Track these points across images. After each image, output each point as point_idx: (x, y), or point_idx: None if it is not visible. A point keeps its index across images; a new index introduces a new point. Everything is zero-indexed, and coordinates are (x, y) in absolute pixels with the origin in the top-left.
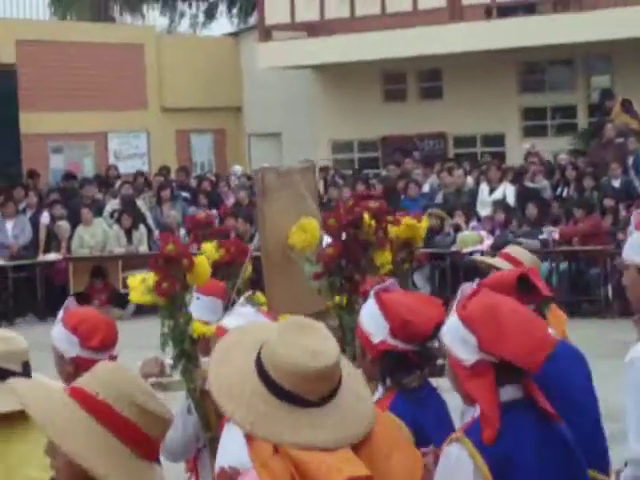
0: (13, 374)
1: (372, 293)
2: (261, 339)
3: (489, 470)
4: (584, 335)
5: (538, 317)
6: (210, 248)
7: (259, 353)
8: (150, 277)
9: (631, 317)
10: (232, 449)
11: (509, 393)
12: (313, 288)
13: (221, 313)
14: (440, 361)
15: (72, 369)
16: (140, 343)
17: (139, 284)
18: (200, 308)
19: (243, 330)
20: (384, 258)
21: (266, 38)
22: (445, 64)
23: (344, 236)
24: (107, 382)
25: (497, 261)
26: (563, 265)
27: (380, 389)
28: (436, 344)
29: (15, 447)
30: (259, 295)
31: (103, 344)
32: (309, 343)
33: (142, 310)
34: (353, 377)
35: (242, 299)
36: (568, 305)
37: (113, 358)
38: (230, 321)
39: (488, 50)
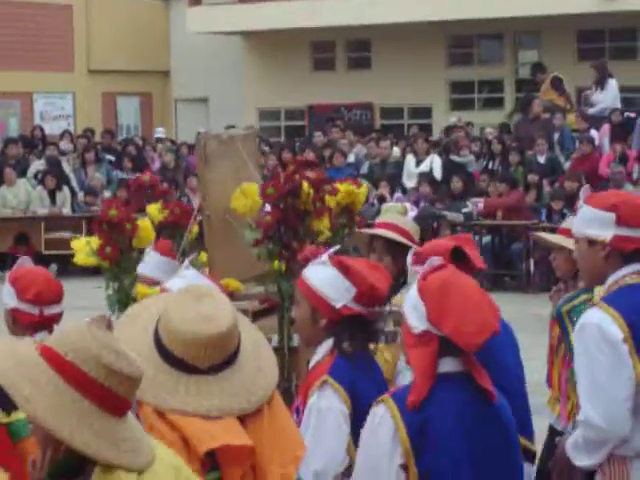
0: None
1: (325, 259)
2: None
3: (407, 434)
4: (505, 309)
5: (489, 300)
6: (154, 210)
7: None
8: (94, 240)
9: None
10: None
11: (448, 365)
12: (253, 254)
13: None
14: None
15: (11, 320)
16: (68, 304)
17: (84, 247)
18: (153, 266)
19: (159, 297)
20: (322, 225)
21: (195, 2)
22: (374, 35)
23: (282, 204)
24: (75, 342)
25: (381, 231)
26: (486, 239)
27: (319, 354)
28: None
29: None
30: (203, 255)
31: (38, 297)
32: (202, 309)
33: (65, 272)
34: (259, 348)
35: (186, 261)
36: (490, 279)
37: (55, 316)
38: (174, 283)
39: (418, 22)
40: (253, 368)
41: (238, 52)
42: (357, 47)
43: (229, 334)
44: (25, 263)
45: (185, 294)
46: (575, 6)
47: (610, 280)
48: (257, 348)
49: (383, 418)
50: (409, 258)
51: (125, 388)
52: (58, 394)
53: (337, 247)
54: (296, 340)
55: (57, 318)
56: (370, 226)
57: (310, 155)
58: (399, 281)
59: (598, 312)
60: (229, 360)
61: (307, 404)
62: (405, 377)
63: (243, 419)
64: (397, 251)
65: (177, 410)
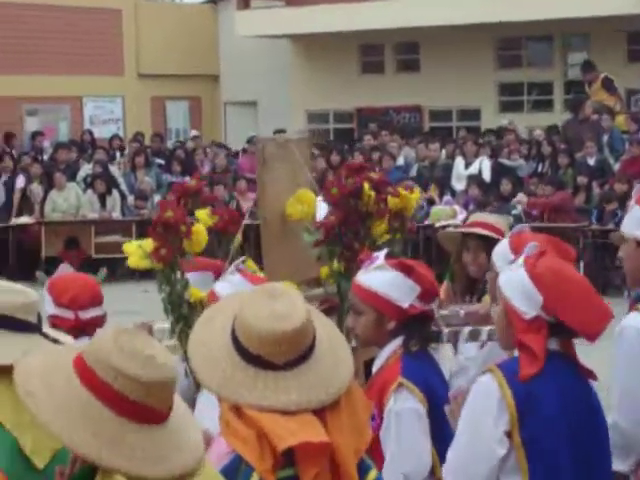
0: (31, 325)
1: (382, 262)
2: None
3: (513, 401)
4: None
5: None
6: (204, 215)
7: (234, 320)
8: (147, 243)
9: (603, 294)
10: (206, 413)
11: (553, 344)
12: (312, 256)
13: (212, 285)
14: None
15: (51, 328)
16: (114, 308)
17: (136, 249)
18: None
19: (232, 297)
20: (382, 228)
21: (244, 6)
22: (423, 37)
23: (345, 205)
24: (93, 344)
25: (476, 229)
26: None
27: (382, 357)
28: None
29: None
30: (250, 262)
31: (73, 301)
32: (276, 307)
33: (115, 276)
34: (335, 343)
35: (232, 267)
36: None
37: (94, 320)
38: (221, 287)
39: (466, 24)
40: (329, 362)
41: (286, 55)
42: (405, 49)
43: (304, 330)
44: (65, 270)
45: (259, 293)
46: (625, 7)
47: None
48: (333, 343)
49: (489, 386)
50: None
51: (140, 393)
52: (68, 391)
53: (385, 250)
54: (353, 341)
55: (96, 322)
56: (419, 230)
57: (359, 158)
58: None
59: (638, 316)
60: (305, 355)
61: (385, 409)
62: (464, 376)
63: (322, 414)
64: (491, 248)
65: (255, 405)
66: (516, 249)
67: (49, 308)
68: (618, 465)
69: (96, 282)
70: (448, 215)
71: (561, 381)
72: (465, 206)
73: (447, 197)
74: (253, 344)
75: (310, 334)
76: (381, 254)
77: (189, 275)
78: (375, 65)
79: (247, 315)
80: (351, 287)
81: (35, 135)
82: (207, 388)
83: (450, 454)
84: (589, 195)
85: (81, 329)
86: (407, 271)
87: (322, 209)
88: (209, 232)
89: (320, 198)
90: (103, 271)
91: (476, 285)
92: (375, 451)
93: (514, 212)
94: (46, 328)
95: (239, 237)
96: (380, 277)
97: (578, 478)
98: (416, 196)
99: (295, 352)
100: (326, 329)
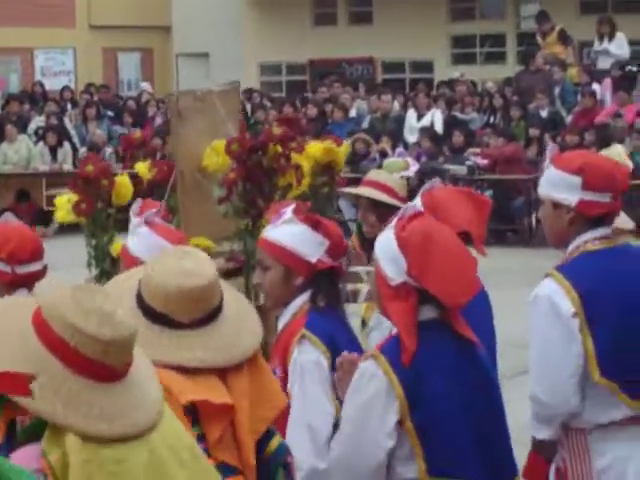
0: None
1: (291, 216)
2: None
3: (402, 389)
4: (509, 264)
5: (470, 256)
6: (143, 168)
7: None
8: (75, 197)
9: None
10: None
11: (428, 312)
12: (219, 212)
13: None
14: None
15: None
16: (64, 261)
17: (65, 203)
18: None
19: (140, 267)
20: (285, 182)
21: None
22: None
23: (247, 161)
24: (50, 297)
25: (364, 190)
26: (488, 193)
27: (287, 314)
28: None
29: None
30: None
31: (11, 256)
32: (183, 265)
33: (66, 228)
34: (241, 311)
35: (139, 219)
36: (493, 234)
37: (32, 274)
38: (130, 241)
39: None
40: (235, 326)
41: (239, 7)
42: (358, 1)
43: (210, 288)
44: (7, 219)
45: (166, 254)
46: None
47: (572, 246)
48: (240, 308)
49: (374, 375)
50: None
51: (96, 350)
52: (23, 345)
53: (293, 205)
54: (262, 298)
55: (36, 276)
56: (353, 183)
57: (313, 111)
58: None
59: (551, 283)
60: (211, 316)
61: (289, 361)
62: (378, 333)
63: (224, 376)
64: (382, 209)
65: (158, 361)
66: (427, 206)
67: None
68: (542, 433)
69: (45, 234)
70: (400, 167)
71: (444, 355)
72: (417, 158)
73: (400, 149)
74: (159, 302)
75: (217, 294)
76: (289, 208)
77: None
78: (328, 17)
79: (153, 274)
80: (257, 242)
81: None
82: None
83: (334, 447)
84: (541, 147)
85: (19, 283)
86: (315, 225)
87: None
88: (150, 185)
89: None
90: (55, 224)
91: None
92: (283, 419)
93: (467, 163)
94: None
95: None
96: (287, 231)
97: (478, 452)
98: (345, 149)
99: (201, 311)
100: (233, 294)
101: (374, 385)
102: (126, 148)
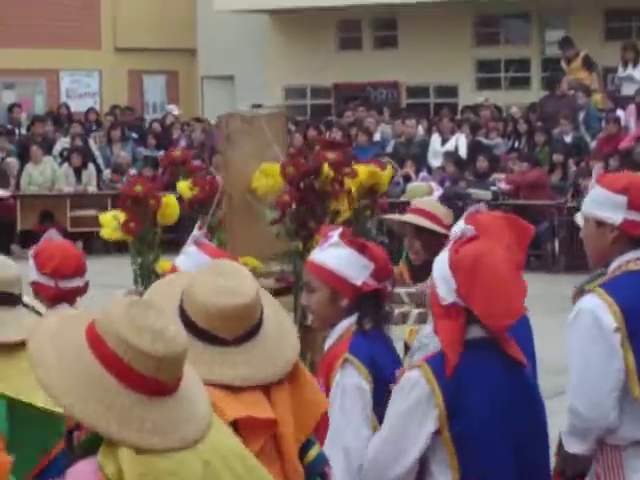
0: (18, 299)
1: (338, 240)
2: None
3: (442, 398)
4: (531, 290)
5: (519, 280)
6: (184, 186)
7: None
8: (120, 215)
9: (577, 272)
10: None
11: (476, 332)
12: (272, 233)
13: None
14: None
15: (33, 294)
16: (92, 281)
17: (111, 221)
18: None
19: (178, 274)
20: (337, 206)
21: None
22: (401, 13)
23: (302, 184)
24: (105, 313)
25: (409, 217)
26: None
27: (334, 335)
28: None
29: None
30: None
31: (55, 271)
32: (226, 283)
33: (89, 249)
34: (280, 322)
35: (190, 239)
36: None
37: (74, 289)
38: (179, 260)
39: (444, 1)
40: (275, 340)
41: (264, 30)
42: (383, 26)
43: (252, 306)
44: (52, 236)
45: (208, 270)
46: None
47: (614, 265)
48: (279, 320)
49: (417, 382)
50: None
51: (148, 366)
52: (79, 362)
53: (340, 228)
54: (309, 318)
55: (77, 291)
56: (395, 207)
57: (337, 134)
58: (429, 265)
59: (593, 298)
60: (252, 332)
61: (332, 383)
62: (424, 353)
63: (267, 390)
64: (426, 236)
65: (209, 381)
66: None
67: (32, 274)
68: (575, 447)
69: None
70: (424, 192)
71: (489, 372)
72: (441, 183)
73: (423, 174)
74: (201, 319)
75: (258, 311)
76: (336, 232)
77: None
78: (353, 41)
79: (195, 289)
80: (305, 265)
81: (12, 107)
82: None
83: (371, 448)
84: (565, 172)
85: (61, 298)
86: (361, 249)
87: None
88: (191, 204)
89: None
90: (78, 245)
91: (424, 269)
92: (322, 427)
93: (492, 188)
94: (26, 297)
95: (217, 211)
96: (334, 254)
97: (515, 469)
98: (389, 173)
99: (243, 328)
100: (273, 308)
101: (416, 392)
102: (167, 165)
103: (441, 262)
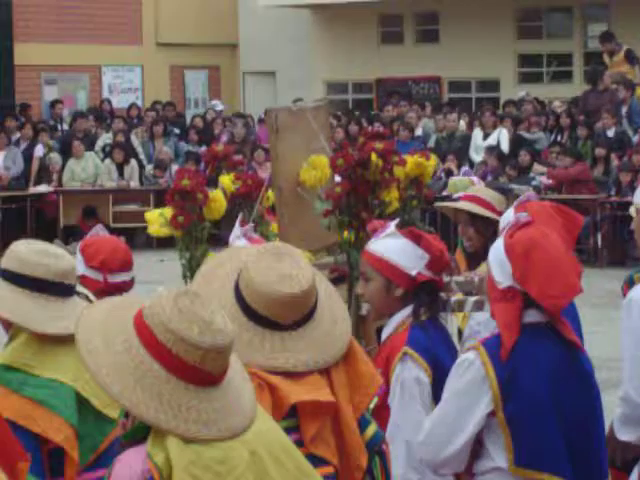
0: (73, 290)
1: (394, 230)
2: (242, 262)
3: (497, 381)
4: None
5: (574, 262)
6: (227, 181)
7: (238, 277)
8: (167, 211)
9: (619, 266)
10: None
11: (533, 316)
12: (322, 224)
13: None
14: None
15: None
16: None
17: (157, 218)
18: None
19: (227, 254)
20: (389, 197)
21: None
22: (442, 7)
23: (352, 175)
24: (154, 305)
25: (463, 204)
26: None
27: (391, 325)
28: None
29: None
30: (275, 225)
31: (104, 265)
32: (284, 269)
33: (131, 245)
34: (331, 301)
35: (238, 232)
36: None
37: (121, 284)
38: None
39: None
40: (329, 321)
41: (306, 25)
42: (425, 20)
43: (310, 291)
44: (99, 231)
45: (264, 253)
46: None
47: None
48: (330, 301)
49: (473, 364)
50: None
51: (196, 357)
52: (128, 352)
53: (398, 219)
54: (364, 308)
55: (124, 286)
56: (438, 199)
57: (380, 128)
58: (483, 252)
59: None
60: (309, 315)
61: (391, 377)
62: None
63: (325, 371)
64: (480, 223)
65: (265, 366)
66: None
67: (80, 268)
68: (627, 435)
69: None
70: (465, 186)
71: (544, 356)
72: (483, 177)
73: (465, 168)
74: (260, 305)
75: (314, 295)
76: (392, 223)
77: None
78: (395, 35)
79: (253, 275)
80: (361, 255)
81: (54, 104)
82: None
83: (427, 425)
84: (607, 167)
85: (108, 292)
86: (417, 239)
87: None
88: (233, 198)
89: None
90: (122, 240)
91: (478, 256)
92: (382, 418)
93: (533, 183)
94: (79, 289)
95: (270, 195)
96: (389, 244)
97: (568, 451)
98: (432, 163)
99: (301, 313)
100: (322, 286)
101: (471, 374)
102: (209, 160)
103: (496, 247)
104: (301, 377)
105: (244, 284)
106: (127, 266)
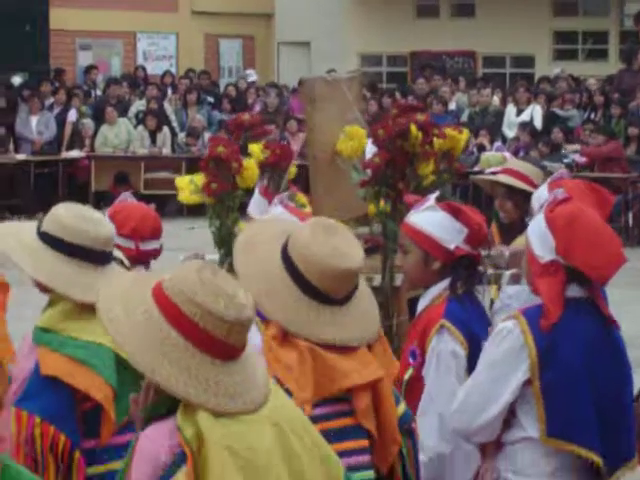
0: (111, 257)
1: (433, 203)
2: (284, 231)
3: (535, 349)
4: None
5: (614, 234)
6: (256, 149)
7: (285, 246)
8: (198, 178)
9: None
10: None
11: (575, 291)
12: (358, 195)
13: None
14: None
15: None
16: (165, 244)
17: (187, 184)
18: (255, 205)
19: (265, 222)
20: (427, 169)
21: None
22: None
23: (391, 146)
24: (177, 279)
25: (501, 177)
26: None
27: (428, 297)
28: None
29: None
30: (300, 196)
31: (134, 232)
32: (338, 244)
33: (163, 212)
34: (362, 279)
35: (275, 199)
36: None
37: (152, 251)
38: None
39: None
40: (369, 297)
41: None
42: None
43: (361, 268)
44: (127, 198)
45: (317, 227)
46: None
47: None
48: (362, 279)
49: (512, 332)
50: (533, 202)
51: (223, 330)
52: (150, 324)
53: (437, 193)
54: (398, 280)
55: (154, 253)
56: (471, 174)
57: (412, 102)
58: (521, 225)
59: None
60: (353, 292)
61: (427, 349)
62: (507, 313)
63: (368, 345)
64: (518, 196)
65: (316, 338)
66: None
67: None
68: None
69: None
70: (498, 161)
71: (583, 330)
72: (515, 153)
73: (498, 144)
74: (316, 277)
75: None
76: (432, 196)
77: (255, 195)
78: (430, 9)
79: (311, 248)
80: (399, 226)
81: (89, 69)
82: (274, 320)
83: (462, 393)
84: None
85: (139, 259)
86: (456, 213)
87: (369, 150)
88: (261, 166)
89: (369, 139)
90: (151, 207)
91: (514, 229)
92: (417, 389)
93: (565, 161)
94: (115, 253)
95: (293, 171)
96: (428, 217)
97: (598, 426)
98: (465, 136)
99: (350, 289)
100: None
101: (509, 341)
102: (234, 130)
103: (536, 223)
104: (352, 351)
105: (299, 256)
106: (157, 233)
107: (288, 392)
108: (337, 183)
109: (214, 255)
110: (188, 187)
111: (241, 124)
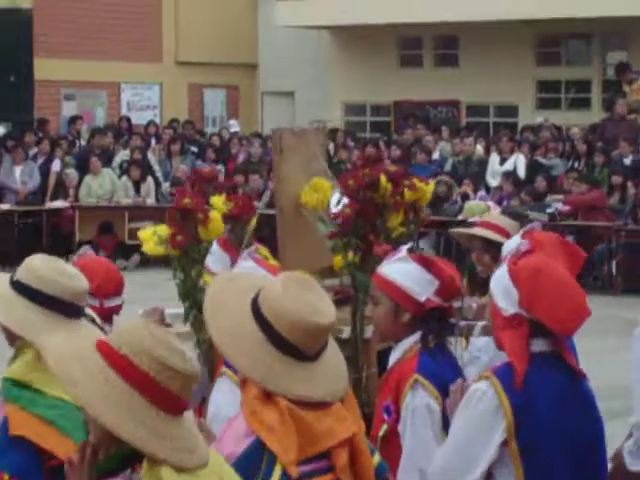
0: (83, 312)
1: (405, 255)
2: (254, 286)
3: (511, 410)
4: None
5: (580, 287)
6: (219, 201)
7: (255, 301)
8: (162, 229)
9: (634, 294)
10: (226, 400)
11: (539, 345)
12: (327, 246)
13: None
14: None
15: None
16: (145, 295)
17: (151, 236)
18: (214, 259)
19: (232, 277)
20: (397, 221)
21: None
22: (462, 32)
23: (361, 197)
24: (130, 336)
25: (478, 230)
26: (569, 239)
27: (399, 351)
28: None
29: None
30: (262, 249)
31: (99, 290)
32: (311, 299)
33: (147, 262)
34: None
35: (244, 254)
36: None
37: (115, 307)
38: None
39: (506, 20)
40: (335, 354)
41: (325, 47)
42: (444, 44)
43: (334, 324)
44: (86, 252)
45: (290, 282)
46: None
47: None
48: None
49: (486, 394)
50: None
51: (178, 385)
52: (109, 385)
53: (410, 244)
54: (368, 332)
55: (116, 309)
56: (452, 225)
57: (396, 152)
58: None
59: None
60: (324, 347)
61: (401, 404)
62: (475, 365)
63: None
64: (495, 249)
65: (292, 395)
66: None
67: None
68: (637, 465)
69: (123, 269)
70: (482, 210)
71: (554, 383)
72: (499, 202)
73: (481, 192)
74: (290, 333)
75: None
76: (404, 247)
77: (214, 249)
78: (413, 58)
79: (284, 303)
80: (370, 278)
81: (73, 119)
82: (250, 379)
83: (438, 459)
84: (624, 195)
85: (102, 316)
86: (428, 265)
87: (335, 199)
88: (224, 218)
89: (336, 188)
90: (136, 258)
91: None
92: (393, 444)
93: (549, 210)
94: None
95: (253, 221)
96: (400, 268)
97: None
98: (430, 188)
99: (323, 343)
100: None
101: (484, 404)
102: (195, 181)
103: (499, 275)
104: (327, 407)
105: (270, 310)
106: (120, 289)
107: (271, 453)
108: (303, 234)
109: (174, 309)
110: (152, 239)
111: (203, 176)
